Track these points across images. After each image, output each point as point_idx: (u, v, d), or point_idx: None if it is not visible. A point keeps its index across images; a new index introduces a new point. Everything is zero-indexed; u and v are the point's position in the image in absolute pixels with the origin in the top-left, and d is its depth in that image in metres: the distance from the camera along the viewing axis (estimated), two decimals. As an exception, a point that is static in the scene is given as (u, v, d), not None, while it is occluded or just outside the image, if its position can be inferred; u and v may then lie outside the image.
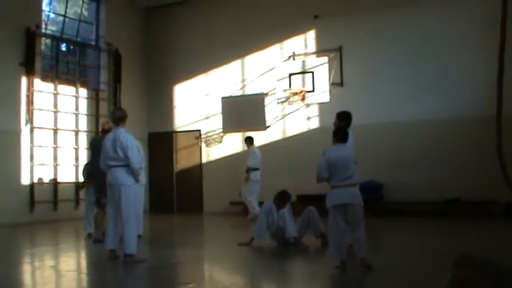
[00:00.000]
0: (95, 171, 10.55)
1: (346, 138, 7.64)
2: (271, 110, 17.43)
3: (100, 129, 12.45)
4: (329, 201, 7.46)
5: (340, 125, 8.50)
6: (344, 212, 7.37)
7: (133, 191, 8.59)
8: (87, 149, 11.59)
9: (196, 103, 18.82)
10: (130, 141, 8.54)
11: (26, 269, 8.66)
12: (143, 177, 11.26)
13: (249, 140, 15.61)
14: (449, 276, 2.49)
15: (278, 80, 16.71)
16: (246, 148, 16.15)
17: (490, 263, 2.73)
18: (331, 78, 16.06)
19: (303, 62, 16.61)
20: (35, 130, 15.66)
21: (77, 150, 16.76)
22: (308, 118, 16.99)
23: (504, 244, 9.42)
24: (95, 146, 10.98)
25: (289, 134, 17.24)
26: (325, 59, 16.19)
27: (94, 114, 17.48)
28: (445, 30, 15.33)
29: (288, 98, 16.62)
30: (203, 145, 18.64)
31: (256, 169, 15.04)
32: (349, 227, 7.41)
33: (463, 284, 2.40)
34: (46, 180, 15.90)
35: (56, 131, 16.30)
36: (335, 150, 7.54)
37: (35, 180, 15.56)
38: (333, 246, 7.47)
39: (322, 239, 9.59)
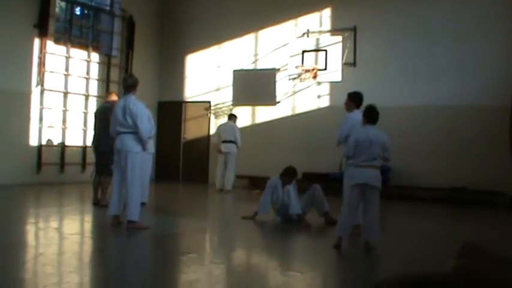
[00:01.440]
0: (100, 140, 10.65)
1: (376, 119, 7.64)
2: (282, 86, 17.35)
3: (105, 98, 12.48)
4: (351, 179, 7.50)
5: (351, 105, 8.52)
6: (363, 191, 7.40)
7: (139, 159, 8.62)
8: (95, 114, 11.58)
9: (207, 74, 18.76)
10: (141, 109, 8.56)
11: (30, 230, 8.73)
12: (151, 146, 11.36)
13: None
14: (453, 265, 2.49)
15: (291, 57, 16.63)
16: (255, 122, 16.20)
17: (492, 253, 2.74)
18: (344, 57, 15.97)
19: (317, 39, 16.51)
20: (45, 92, 15.67)
21: (86, 114, 16.77)
22: (319, 96, 16.92)
23: (507, 236, 9.43)
24: (98, 116, 11.06)
25: (298, 111, 17.18)
26: (339, 38, 16.10)
27: (105, 80, 17.46)
28: (463, 14, 15.13)
29: (299, 75, 16.55)
30: (212, 117, 18.62)
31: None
32: (364, 208, 7.47)
33: (465, 273, 2.40)
34: (55, 142, 15.96)
35: (66, 94, 16.31)
36: (364, 130, 7.58)
37: (43, 142, 15.62)
38: (344, 222, 7.52)
39: (325, 217, 9.61)
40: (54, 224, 9.22)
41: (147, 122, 8.75)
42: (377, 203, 7.46)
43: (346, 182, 7.70)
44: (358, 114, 8.25)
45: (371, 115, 7.62)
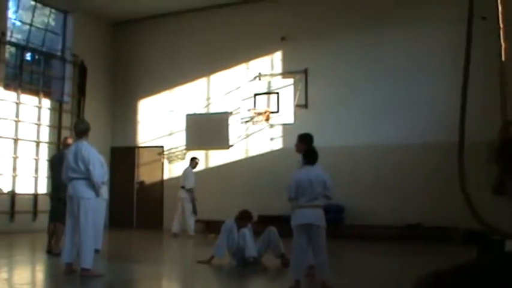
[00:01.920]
0: (55, 187, 10.51)
1: (315, 159, 7.71)
2: (235, 129, 17.44)
3: (62, 143, 12.31)
4: (294, 221, 7.53)
5: (301, 147, 8.59)
6: (308, 232, 7.43)
7: (92, 205, 8.50)
8: (48, 161, 11.44)
9: (160, 119, 18.75)
10: (93, 155, 8.48)
11: (-21, 281, 8.48)
12: (105, 192, 11.23)
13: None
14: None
15: (243, 100, 16.74)
16: (209, 165, 16.21)
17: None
18: (296, 99, 16.17)
19: (269, 82, 16.69)
20: (-5, 139, 15.42)
21: (37, 161, 16.51)
22: (272, 139, 17.04)
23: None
24: (55, 163, 10.90)
25: (252, 153, 17.25)
26: (290, 80, 16.32)
27: (56, 126, 17.26)
28: (408, 56, 15.57)
29: (252, 118, 16.65)
30: (165, 161, 18.55)
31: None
32: (312, 249, 7.48)
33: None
34: (4, 190, 15.63)
35: (16, 140, 16.05)
36: (304, 171, 7.63)
37: (-8, 191, 15.30)
38: (295, 265, 7.54)
39: (282, 259, 9.60)
40: (3, 275, 8.97)
41: (99, 167, 8.67)
42: (324, 242, 7.48)
43: (292, 223, 7.72)
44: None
45: (310, 156, 7.72)
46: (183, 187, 15.53)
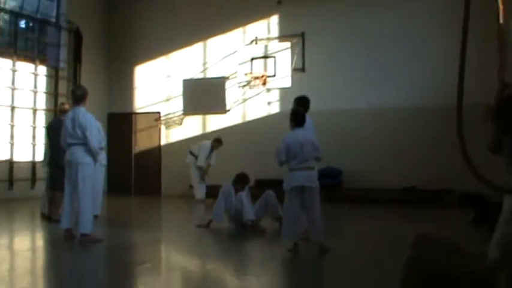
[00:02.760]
0: (56, 153, 10.50)
1: (303, 122, 7.73)
2: (232, 94, 17.41)
3: (59, 109, 12.26)
4: (286, 184, 7.58)
5: (297, 109, 8.57)
6: (301, 194, 7.48)
7: (90, 170, 8.53)
8: (45, 128, 11.46)
9: (157, 85, 18.70)
10: (90, 121, 8.48)
11: (-20, 247, 8.55)
12: (104, 158, 11.26)
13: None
14: (406, 256, 2.55)
15: (240, 64, 16.73)
16: (206, 130, 16.24)
17: (444, 242, 2.81)
18: (293, 63, 16.13)
19: (266, 46, 16.63)
20: (-9, 107, 15.40)
21: (34, 128, 16.49)
22: (269, 103, 17.03)
23: (457, 229, 9.65)
24: (52, 129, 10.86)
25: (249, 118, 17.26)
26: (287, 44, 16.27)
27: (53, 93, 17.21)
28: (407, 19, 15.49)
29: (249, 82, 16.66)
30: (163, 127, 18.55)
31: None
32: (305, 210, 7.53)
33: (417, 263, 2.46)
34: (2, 158, 15.64)
35: (13, 108, 16.02)
36: (292, 134, 7.66)
37: (-10, 159, 15.32)
38: (286, 229, 7.61)
39: (279, 222, 9.66)
40: (4, 241, 9.03)
41: (96, 133, 8.68)
42: (317, 203, 7.55)
43: (284, 187, 7.74)
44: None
45: (297, 119, 7.74)
46: (190, 152, 15.49)
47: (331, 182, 14.71)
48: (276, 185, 13.23)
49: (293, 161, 7.52)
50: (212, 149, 15.33)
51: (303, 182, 7.45)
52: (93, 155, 8.50)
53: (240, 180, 10.08)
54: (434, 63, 14.93)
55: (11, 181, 15.80)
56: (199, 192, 15.33)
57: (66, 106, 10.88)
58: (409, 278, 2.47)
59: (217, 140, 15.41)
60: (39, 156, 14.36)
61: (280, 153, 7.60)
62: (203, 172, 15.30)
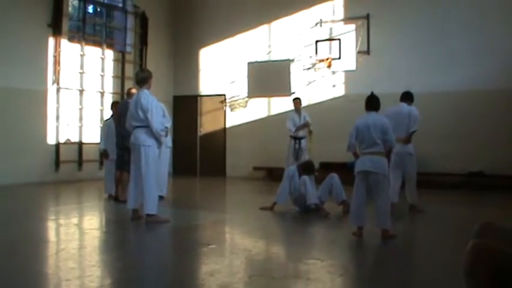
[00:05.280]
0: (120, 136, 10.71)
1: (377, 106, 7.64)
2: (297, 77, 17.32)
3: (126, 93, 12.46)
4: (356, 168, 7.53)
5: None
6: (366, 179, 7.40)
7: (153, 152, 8.62)
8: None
9: (221, 67, 18.77)
10: (151, 103, 8.54)
11: (51, 226, 8.82)
12: (169, 140, 11.41)
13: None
14: (469, 245, 2.47)
15: (304, 47, 16.67)
16: (271, 113, 16.16)
17: (510, 230, 2.71)
18: (358, 46, 15.91)
19: (330, 29, 16.46)
20: (61, 90, 15.78)
21: (102, 111, 16.85)
22: (334, 85, 16.87)
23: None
24: (120, 112, 11.04)
25: (314, 101, 17.12)
26: (352, 26, 16.04)
27: (120, 76, 17.55)
28: (476, 1, 15.05)
29: (313, 65, 16.55)
30: (227, 109, 18.64)
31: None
32: (372, 196, 7.44)
33: (483, 253, 2.38)
34: (72, 140, 16.05)
35: (81, 91, 16.41)
36: (364, 118, 7.59)
37: (61, 140, 15.73)
38: (352, 212, 7.55)
39: (343, 206, 9.61)
40: (74, 220, 9.28)
41: (158, 115, 8.73)
42: (384, 190, 7.43)
43: (354, 171, 7.67)
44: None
45: (369, 102, 7.68)
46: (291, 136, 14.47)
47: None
48: (340, 168, 13.21)
49: (361, 145, 7.48)
50: (295, 112, 14.56)
51: (367, 167, 7.37)
52: (155, 137, 8.60)
53: (306, 169, 10.06)
54: (505, 46, 14.46)
55: (80, 162, 16.22)
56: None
57: (133, 90, 11.02)
58: (474, 270, 2.38)
59: (295, 99, 14.76)
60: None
61: (350, 136, 7.58)
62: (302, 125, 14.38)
